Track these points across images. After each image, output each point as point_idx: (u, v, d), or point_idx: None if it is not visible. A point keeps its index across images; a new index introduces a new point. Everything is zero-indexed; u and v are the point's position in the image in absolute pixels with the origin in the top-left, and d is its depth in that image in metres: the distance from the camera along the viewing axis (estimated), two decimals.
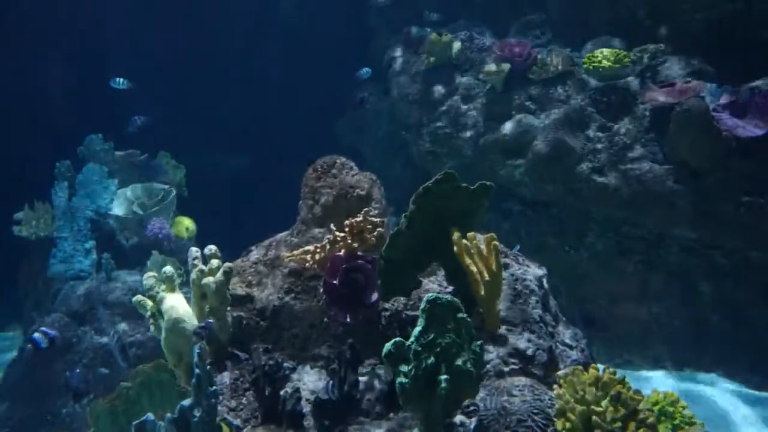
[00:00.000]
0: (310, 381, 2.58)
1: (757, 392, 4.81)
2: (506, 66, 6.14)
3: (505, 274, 2.77)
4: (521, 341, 2.51)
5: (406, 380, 2.01)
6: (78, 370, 4.17)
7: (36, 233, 5.83)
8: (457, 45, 6.68)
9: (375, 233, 2.71)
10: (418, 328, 2.04)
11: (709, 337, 5.09)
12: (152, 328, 2.84)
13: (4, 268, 6.30)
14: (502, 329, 2.56)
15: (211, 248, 2.80)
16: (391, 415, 2.37)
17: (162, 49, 7.39)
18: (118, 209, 5.80)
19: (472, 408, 2.24)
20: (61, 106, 6.77)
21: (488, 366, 2.40)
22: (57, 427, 4.87)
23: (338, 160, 3.14)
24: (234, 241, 3.34)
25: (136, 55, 7.23)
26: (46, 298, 5.75)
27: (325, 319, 2.68)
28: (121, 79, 6.23)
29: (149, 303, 2.80)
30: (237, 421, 2.43)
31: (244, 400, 2.53)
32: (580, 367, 2.14)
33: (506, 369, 2.41)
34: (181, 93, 7.36)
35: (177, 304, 2.75)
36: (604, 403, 1.96)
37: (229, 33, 7.85)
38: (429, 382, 2.01)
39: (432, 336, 2.02)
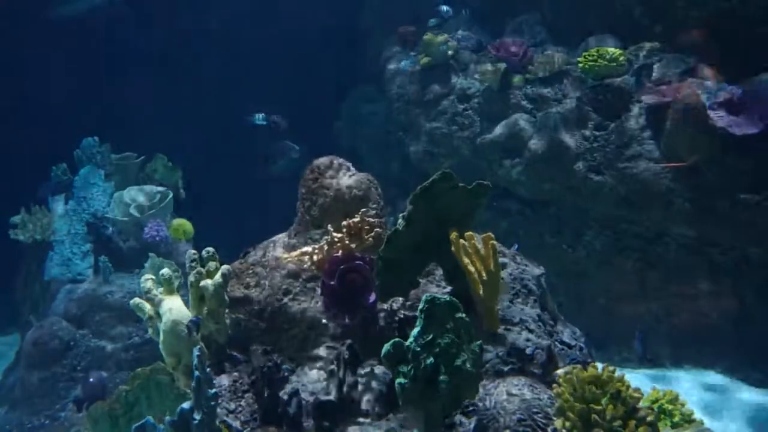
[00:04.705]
0: (309, 382, 2.58)
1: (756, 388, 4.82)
2: (502, 65, 6.14)
3: (503, 273, 2.76)
4: (520, 340, 2.51)
5: (406, 380, 2.00)
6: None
7: (33, 237, 5.81)
8: (452, 45, 6.68)
9: (372, 234, 2.71)
10: (417, 329, 2.03)
11: (708, 334, 5.10)
12: (150, 330, 2.83)
13: (1, 272, 6.28)
14: (501, 328, 2.56)
15: (209, 250, 2.79)
16: (391, 415, 2.37)
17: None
18: (115, 212, 5.78)
19: (471, 408, 2.24)
20: (58, 109, 6.74)
21: (487, 365, 2.40)
22: (54, 430, 4.85)
23: (335, 161, 3.14)
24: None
25: (136, 56, 7.22)
26: (43, 302, 5.73)
27: (324, 320, 2.68)
28: (260, 115, 6.07)
29: (147, 306, 2.79)
30: (236, 423, 2.42)
31: (243, 402, 2.52)
32: (580, 366, 2.13)
33: (505, 368, 2.41)
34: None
35: (175, 307, 2.74)
36: (603, 401, 1.96)
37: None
38: (428, 382, 2.01)
39: (431, 336, 2.01)
